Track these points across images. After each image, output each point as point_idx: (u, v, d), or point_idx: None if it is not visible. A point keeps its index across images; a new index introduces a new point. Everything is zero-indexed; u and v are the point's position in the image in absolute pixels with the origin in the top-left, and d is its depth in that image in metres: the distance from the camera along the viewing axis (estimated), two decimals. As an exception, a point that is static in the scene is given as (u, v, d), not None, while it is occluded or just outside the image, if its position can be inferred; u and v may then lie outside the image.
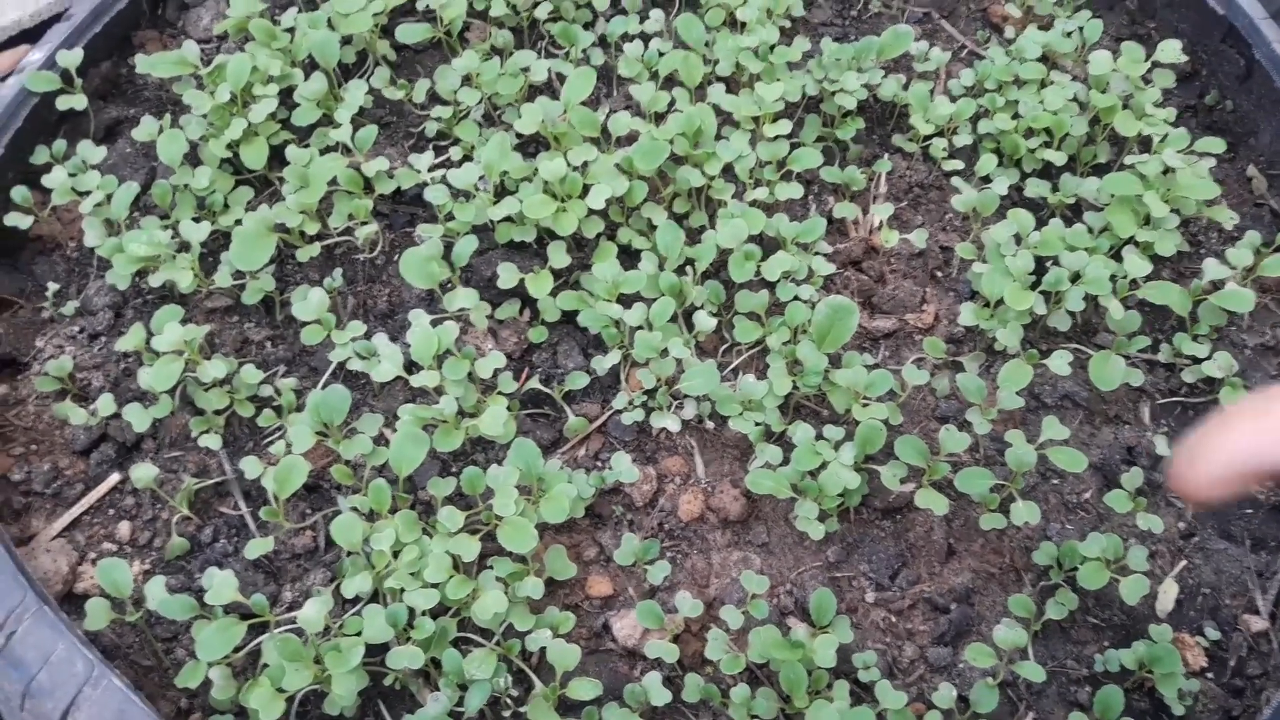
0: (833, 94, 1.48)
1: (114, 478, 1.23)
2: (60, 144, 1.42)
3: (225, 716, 1.06)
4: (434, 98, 1.52)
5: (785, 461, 1.21)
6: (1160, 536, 1.23)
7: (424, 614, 1.07)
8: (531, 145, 1.47)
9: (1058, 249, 1.34)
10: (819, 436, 1.21)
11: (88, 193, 1.35)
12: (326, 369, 1.31)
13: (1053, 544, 1.20)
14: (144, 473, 1.18)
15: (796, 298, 1.30)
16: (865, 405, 1.22)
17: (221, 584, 1.05)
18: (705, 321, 1.27)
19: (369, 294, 1.39)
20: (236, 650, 1.05)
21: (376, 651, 1.06)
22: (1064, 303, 1.31)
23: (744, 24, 1.52)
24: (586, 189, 1.33)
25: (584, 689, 1.05)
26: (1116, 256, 1.36)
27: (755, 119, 1.43)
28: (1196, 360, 1.33)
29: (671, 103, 1.45)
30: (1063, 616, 1.16)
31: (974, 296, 1.39)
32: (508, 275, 1.31)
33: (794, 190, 1.39)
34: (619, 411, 1.27)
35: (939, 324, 1.39)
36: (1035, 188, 1.46)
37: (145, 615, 1.11)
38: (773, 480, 1.18)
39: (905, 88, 1.52)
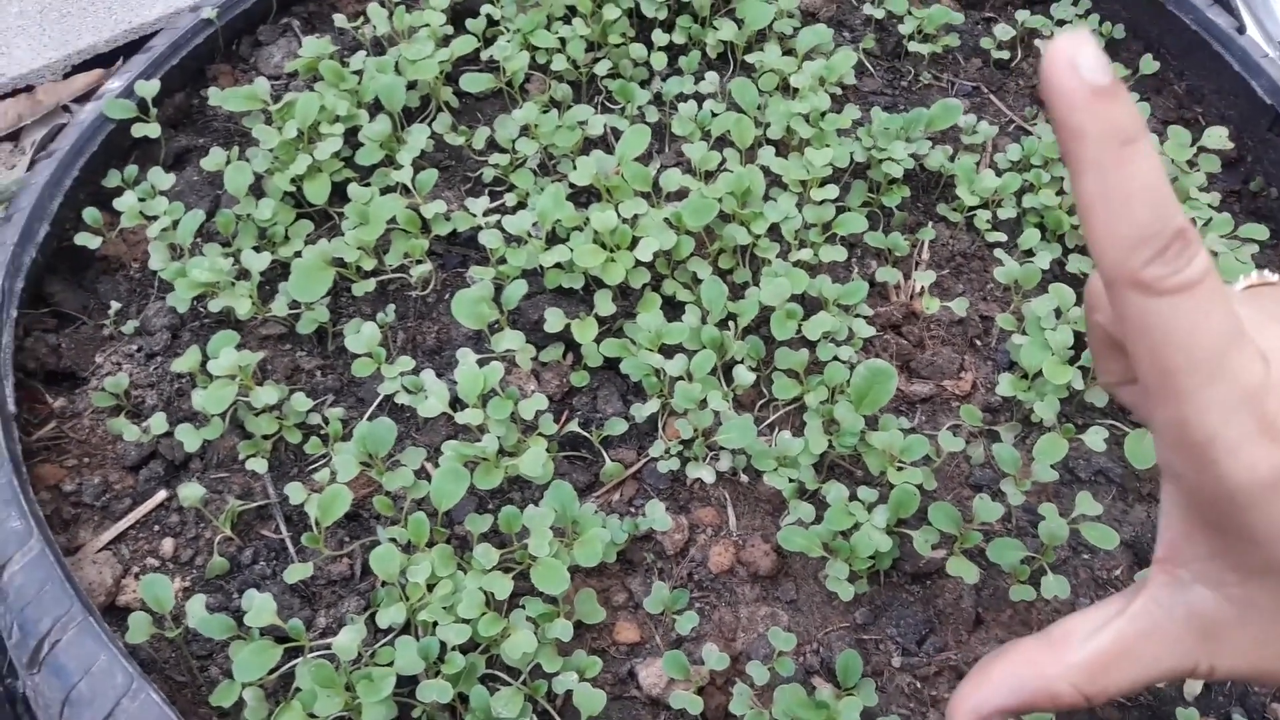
0: (880, 162, 1.51)
1: (161, 494, 1.27)
2: (132, 169, 1.48)
3: (255, 738, 1.08)
4: (492, 145, 1.57)
5: (817, 520, 1.23)
6: (1191, 619, 1.22)
7: (455, 649, 1.08)
8: (584, 196, 1.51)
9: (1097, 325, 1.36)
10: (853, 497, 1.22)
11: (155, 217, 1.40)
12: (373, 401, 1.35)
13: (1081, 619, 1.20)
14: (191, 492, 1.21)
15: (836, 358, 1.32)
16: (900, 469, 1.23)
17: (261, 606, 1.07)
18: (744, 376, 1.30)
19: (418, 330, 1.43)
20: (271, 673, 1.07)
21: (406, 683, 1.08)
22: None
23: (796, 90, 1.56)
24: (635, 241, 1.36)
25: (609, 734, 1.06)
26: (1156, 336, 1.37)
27: (803, 182, 1.46)
28: (1233, 444, 1.33)
29: (722, 162, 1.48)
30: (1089, 693, 1.16)
31: (1012, 367, 1.41)
32: (554, 320, 1.34)
33: (838, 253, 1.42)
34: (655, 459, 1.29)
35: (976, 392, 1.40)
36: (1077, 263, 1.48)
37: (184, 632, 1.13)
38: (804, 538, 1.19)
39: (952, 159, 1.55)
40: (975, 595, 1.24)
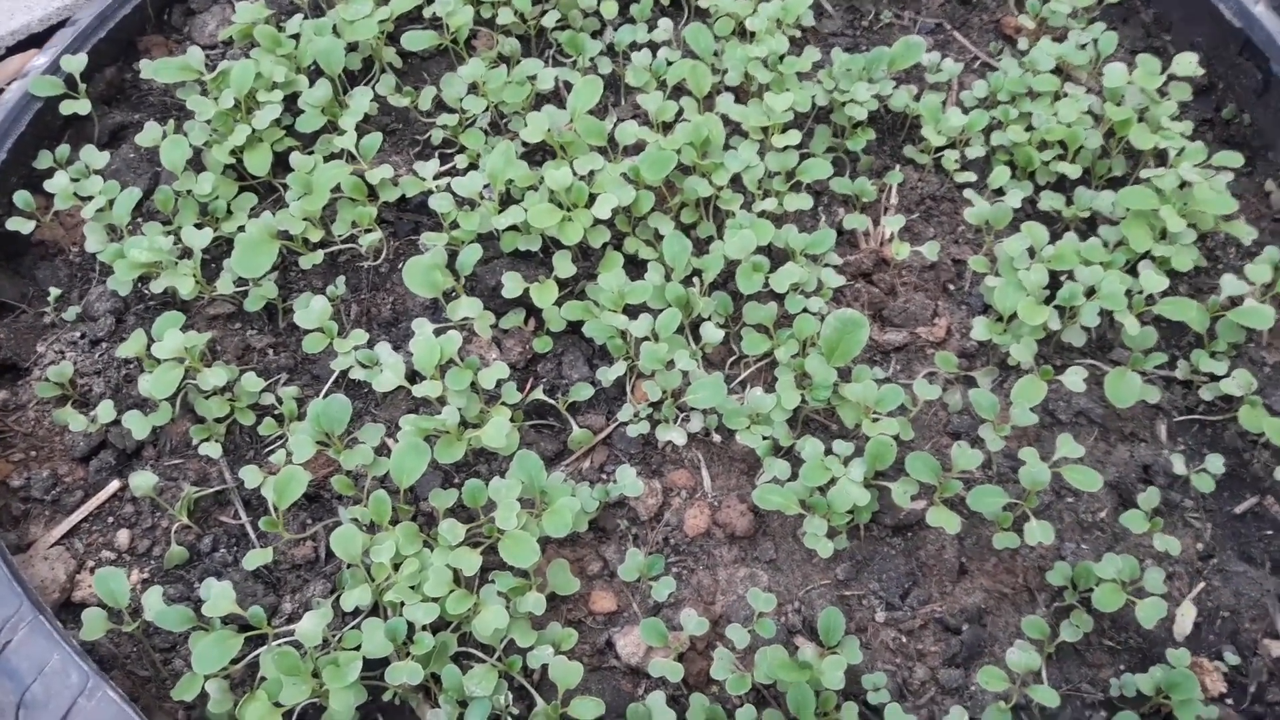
0: (843, 104, 1.46)
1: (114, 485, 1.22)
2: (64, 149, 1.41)
3: (221, 731, 1.04)
4: (440, 105, 1.51)
5: (793, 477, 1.19)
6: (1178, 558, 1.20)
7: (424, 629, 1.05)
8: (538, 154, 1.46)
9: (1073, 263, 1.32)
10: (828, 452, 1.19)
11: (90, 198, 1.34)
12: (329, 377, 1.30)
13: (1067, 564, 1.18)
14: (143, 481, 1.16)
15: (805, 310, 1.28)
16: (875, 420, 1.20)
17: (219, 595, 1.03)
18: (713, 333, 1.25)
19: (373, 302, 1.38)
20: (234, 663, 1.03)
21: (376, 666, 1.04)
22: (1079, 318, 1.29)
23: (753, 34, 1.51)
24: (593, 198, 1.31)
25: (586, 708, 1.03)
26: (1133, 271, 1.33)
27: (764, 129, 1.41)
28: (1215, 377, 1.30)
29: (679, 112, 1.43)
30: (1077, 639, 1.14)
31: (987, 310, 1.37)
32: (513, 284, 1.29)
33: (803, 201, 1.37)
34: (624, 424, 1.25)
35: (951, 338, 1.36)
36: (1049, 200, 1.44)
37: (143, 625, 1.09)
38: (780, 496, 1.16)
39: (917, 99, 1.51)
40: (958, 545, 1.21)
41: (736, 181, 1.39)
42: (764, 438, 1.21)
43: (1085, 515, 1.25)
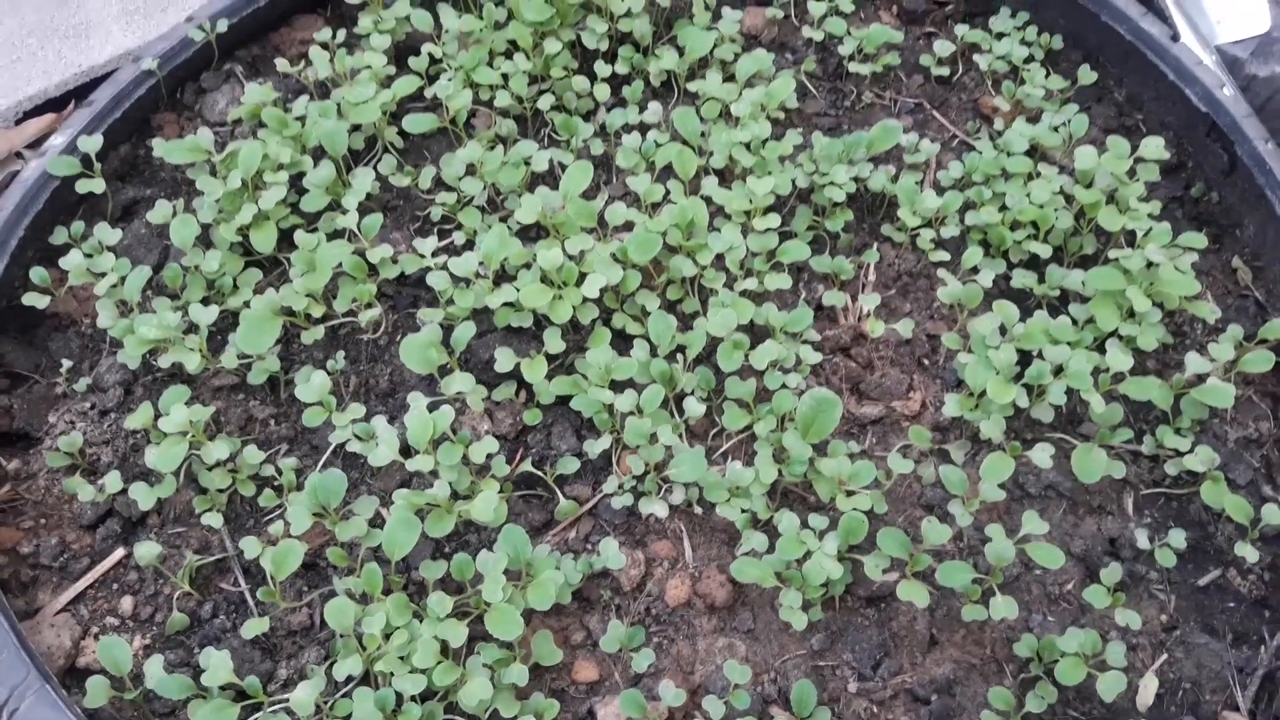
0: (823, 186, 1.52)
1: (119, 553, 1.27)
2: (79, 225, 1.48)
3: (215, 797, 1.09)
4: (439, 183, 1.58)
5: (771, 549, 1.24)
6: (1141, 630, 1.25)
7: (412, 699, 1.09)
8: (532, 232, 1.52)
9: (1041, 342, 1.38)
10: (804, 525, 1.24)
11: (103, 274, 1.40)
12: (326, 448, 1.35)
13: (1034, 636, 1.22)
14: (147, 550, 1.22)
15: (784, 386, 1.33)
16: (850, 495, 1.25)
17: (217, 665, 1.08)
18: (695, 408, 1.31)
19: (371, 373, 1.44)
20: (229, 731, 1.07)
21: (365, 734, 1.08)
22: (1047, 396, 1.34)
23: (738, 119, 1.58)
24: (582, 277, 1.37)
25: (565, 777, 1.07)
26: (1100, 348, 1.39)
27: (747, 211, 1.48)
28: (1179, 453, 1.35)
29: (666, 194, 1.50)
30: (1042, 710, 1.18)
31: (959, 385, 1.43)
32: (505, 359, 1.35)
33: (783, 280, 1.43)
34: (609, 495, 1.30)
35: (925, 411, 1.42)
36: (1021, 278, 1.49)
37: (143, 693, 1.14)
38: (758, 569, 1.21)
39: (894, 180, 1.57)
40: (929, 616, 1.26)
41: (720, 261, 1.45)
42: (743, 510, 1.26)
43: (1053, 587, 1.30)
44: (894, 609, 1.26)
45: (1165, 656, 1.24)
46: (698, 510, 1.31)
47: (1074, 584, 1.30)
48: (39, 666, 1.08)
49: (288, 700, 1.11)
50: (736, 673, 1.15)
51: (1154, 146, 1.55)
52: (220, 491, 1.29)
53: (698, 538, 1.31)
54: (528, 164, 1.51)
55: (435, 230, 1.54)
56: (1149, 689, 1.21)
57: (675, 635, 1.24)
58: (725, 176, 1.55)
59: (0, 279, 1.40)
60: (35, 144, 2.34)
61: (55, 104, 2.15)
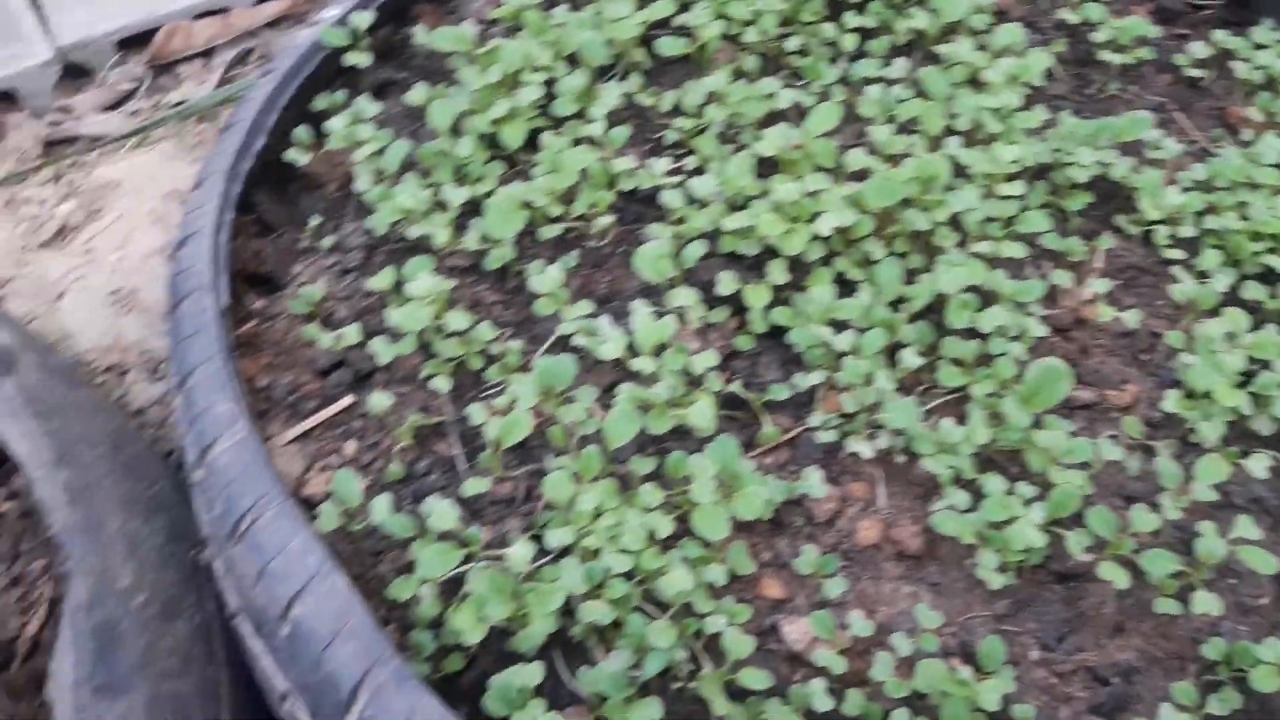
0: (1064, 166, 1.51)
1: (347, 400, 1.35)
2: (339, 94, 1.56)
3: (422, 631, 1.15)
4: (676, 109, 1.61)
5: (972, 509, 1.25)
6: (1339, 655, 1.22)
7: (617, 576, 1.14)
8: (762, 167, 1.54)
9: (1272, 354, 1.34)
10: (1009, 491, 1.24)
11: (362, 143, 1.48)
12: (546, 338, 1.41)
13: (1223, 641, 1.20)
14: (379, 401, 1.29)
15: (1005, 354, 1.33)
16: (1061, 470, 1.25)
17: (444, 512, 1.15)
18: (911, 359, 1.32)
19: (590, 279, 1.48)
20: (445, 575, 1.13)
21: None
22: (1270, 408, 1.31)
23: (985, 84, 1.57)
24: (814, 216, 1.39)
25: (756, 679, 1.10)
26: (1332, 371, 1.35)
27: (988, 176, 1.47)
28: (1402, 488, 1.31)
29: (906, 148, 1.50)
30: (1226, 714, 1.16)
31: (1176, 385, 1.40)
32: (727, 282, 1.38)
33: (1017, 250, 1.42)
34: (814, 429, 1.32)
35: (1137, 406, 1.40)
36: (1254, 290, 1.46)
37: (366, 529, 1.21)
38: (958, 524, 1.22)
39: (1136, 171, 1.54)
40: (1118, 602, 1.25)
41: (954, 220, 1.45)
42: (949, 467, 1.27)
43: (1246, 598, 1.27)
44: (1083, 589, 1.26)
45: (1361, 688, 1.21)
46: (900, 459, 1.32)
47: (1269, 600, 1.27)
48: (280, 485, 1.16)
49: (498, 557, 1.17)
50: (927, 617, 1.17)
51: None
52: (449, 360, 1.35)
53: (893, 485, 1.32)
54: (770, 99, 1.53)
55: (666, 154, 1.57)
56: (1341, 715, 1.18)
57: (861, 574, 1.26)
58: (967, 141, 1.55)
59: (269, 132, 1.49)
60: (273, 24, 2.46)
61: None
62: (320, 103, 1.56)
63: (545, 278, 1.37)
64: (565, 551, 1.20)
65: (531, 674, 1.07)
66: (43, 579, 1.26)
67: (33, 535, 1.30)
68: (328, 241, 1.48)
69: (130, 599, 1.16)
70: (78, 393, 1.37)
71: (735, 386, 1.35)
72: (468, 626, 1.08)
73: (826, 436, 1.31)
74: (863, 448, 1.29)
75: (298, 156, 1.49)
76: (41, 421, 1.25)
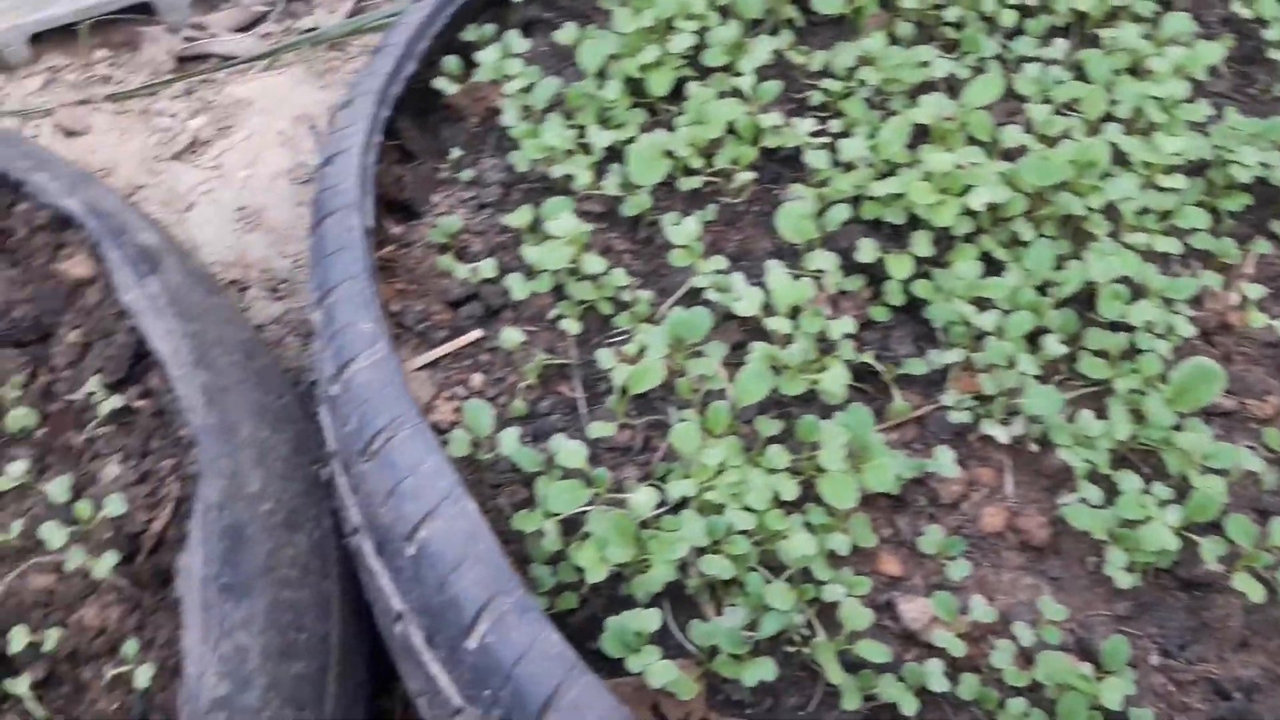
0: (1225, 164, 1.45)
1: (476, 333, 1.35)
2: (489, 27, 1.56)
3: (541, 566, 1.15)
4: (824, 71, 1.58)
5: (1102, 506, 1.21)
6: None
7: (738, 534, 1.13)
8: (909, 136, 1.50)
9: None
10: (1145, 490, 1.20)
11: (510, 77, 1.47)
12: (674, 291, 1.39)
13: (1357, 670, 1.16)
14: (511, 336, 1.29)
15: (1151, 350, 1.29)
16: (1202, 474, 1.20)
17: (572, 451, 1.15)
18: (1054, 347, 1.28)
19: (721, 235, 1.46)
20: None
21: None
22: None
23: (1148, 73, 1.51)
24: (966, 189, 1.35)
25: (874, 651, 1.09)
26: None
27: (1148, 166, 1.42)
28: None
29: (1064, 130, 1.45)
30: (1354, 744, 1.12)
31: (1325, 401, 1.34)
32: (867, 250, 1.35)
33: (1171, 245, 1.37)
34: (946, 408, 1.29)
35: (1279, 418, 1.34)
36: None
37: (491, 459, 1.21)
38: (1091, 519, 1.18)
39: (1303, 176, 1.47)
40: (1246, 616, 1.21)
41: (1108, 209, 1.40)
42: (1084, 460, 1.23)
43: (1382, 632, 1.22)
44: (1210, 599, 1.22)
45: None
46: (1032, 448, 1.28)
47: None
48: (415, 406, 1.17)
49: (620, 502, 1.16)
50: (1052, 609, 1.14)
51: None
52: (580, 303, 1.34)
53: (1020, 474, 1.29)
54: (925, 67, 1.49)
55: (810, 114, 1.54)
56: None
57: (981, 560, 1.23)
58: (1128, 128, 1.49)
59: (420, 59, 1.49)
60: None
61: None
62: (469, 34, 1.56)
63: (682, 229, 1.35)
64: (682, 504, 1.20)
65: (650, 619, 1.07)
66: (171, 477, 1.29)
67: (163, 434, 1.33)
68: (467, 174, 1.48)
69: (258, 505, 1.18)
70: (214, 299, 1.39)
71: (867, 356, 1.32)
72: (592, 565, 1.08)
73: (959, 417, 1.28)
74: (997, 432, 1.26)
75: (445, 86, 1.49)
76: (183, 322, 1.27)
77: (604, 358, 1.28)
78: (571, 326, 1.33)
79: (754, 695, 1.12)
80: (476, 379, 1.32)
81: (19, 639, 1.19)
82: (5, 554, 1.28)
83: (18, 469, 1.31)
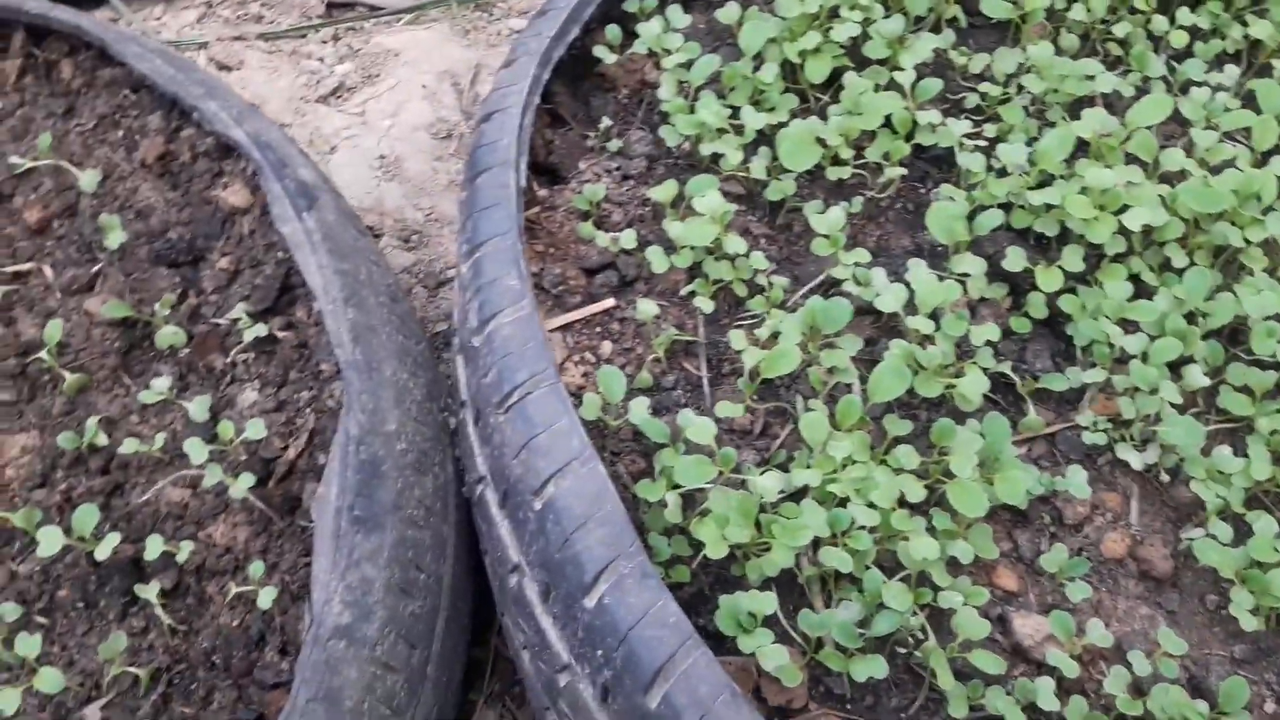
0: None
1: (609, 302, 1.37)
2: (650, 1, 1.57)
3: (659, 536, 1.17)
4: (983, 74, 1.56)
5: (1231, 544, 1.18)
6: None
7: (860, 529, 1.13)
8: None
9: None
10: (1280, 534, 1.17)
11: (669, 51, 1.48)
12: (808, 280, 1.39)
13: None
14: (647, 308, 1.31)
15: (1300, 393, 1.25)
16: (1342, 524, 1.17)
17: (702, 426, 1.16)
18: (1197, 378, 1.25)
19: (860, 230, 1.46)
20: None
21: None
22: None
23: (1326, 107, 1.45)
24: (1123, 208, 1.32)
25: (988, 662, 1.08)
26: None
27: (1316, 204, 1.37)
28: None
29: (1229, 159, 1.41)
30: None
31: None
32: (1015, 259, 1.33)
33: (1330, 287, 1.33)
34: (1079, 427, 1.27)
35: None
36: None
37: (617, 426, 1.23)
38: (1220, 556, 1.16)
39: None
40: (1373, 678, 1.17)
41: (1266, 243, 1.36)
42: (1218, 496, 1.20)
43: None
44: (1336, 655, 1.18)
45: None
46: (1163, 478, 1.26)
47: None
48: (554, 365, 1.19)
49: (741, 483, 1.17)
50: (1172, 642, 1.12)
51: None
52: (715, 282, 1.35)
53: (1147, 503, 1.26)
54: (1090, 80, 1.46)
55: (965, 116, 1.52)
56: None
57: (1099, 585, 1.21)
58: (1296, 163, 1.44)
59: (584, 24, 1.50)
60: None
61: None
62: (630, 5, 1.57)
63: (827, 218, 1.35)
64: (802, 493, 1.20)
65: (766, 602, 1.08)
66: (308, 409, 1.34)
67: (302, 366, 1.38)
68: (614, 144, 1.49)
69: (393, 443, 1.22)
70: (363, 241, 1.43)
71: (1004, 367, 1.30)
72: (712, 541, 1.09)
73: (1092, 438, 1.26)
74: (1131, 457, 1.24)
75: (605, 54, 1.50)
76: (336, 259, 1.31)
77: (735, 339, 1.29)
78: (705, 305, 1.33)
79: (857, 691, 1.13)
80: (606, 347, 1.34)
81: (154, 547, 1.24)
82: (146, 464, 1.35)
83: (162, 384, 1.37)
